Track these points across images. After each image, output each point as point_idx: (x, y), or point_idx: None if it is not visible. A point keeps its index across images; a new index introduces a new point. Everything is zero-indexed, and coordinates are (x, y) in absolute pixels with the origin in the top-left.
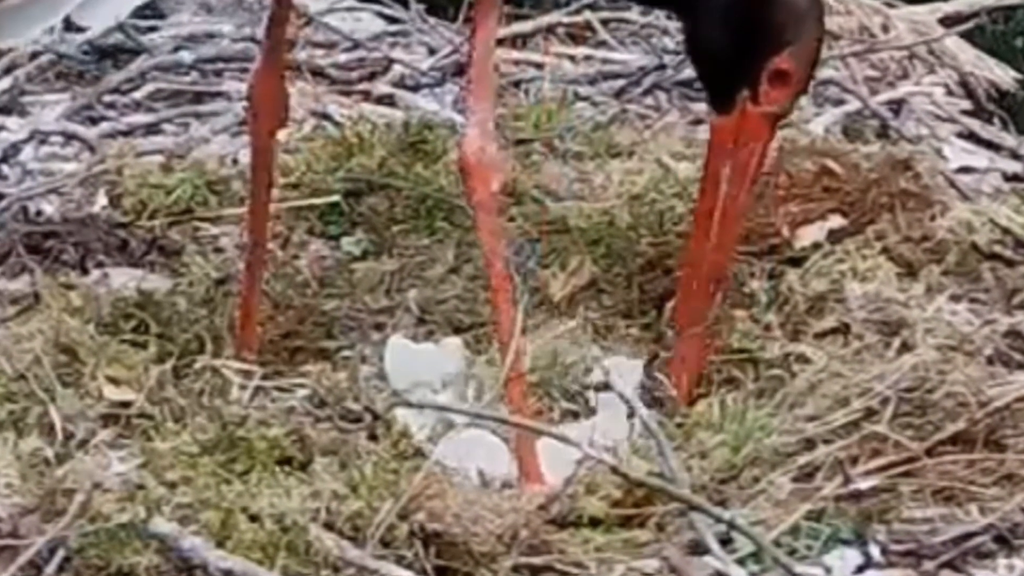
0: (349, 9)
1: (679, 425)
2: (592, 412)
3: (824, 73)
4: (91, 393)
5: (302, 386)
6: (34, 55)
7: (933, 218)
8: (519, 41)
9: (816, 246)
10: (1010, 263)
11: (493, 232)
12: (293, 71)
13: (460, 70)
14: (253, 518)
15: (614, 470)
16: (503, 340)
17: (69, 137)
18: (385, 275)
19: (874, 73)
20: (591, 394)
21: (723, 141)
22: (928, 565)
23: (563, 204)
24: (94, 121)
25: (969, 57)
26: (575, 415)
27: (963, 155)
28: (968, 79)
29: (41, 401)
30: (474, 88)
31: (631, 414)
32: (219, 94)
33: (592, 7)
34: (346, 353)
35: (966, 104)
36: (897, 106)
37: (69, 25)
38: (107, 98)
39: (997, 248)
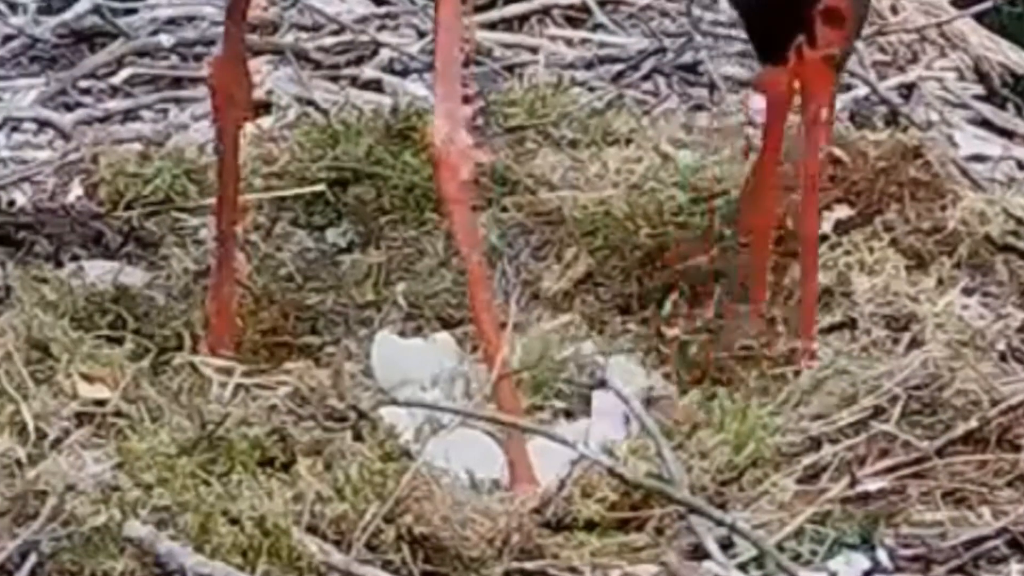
0: None
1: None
2: (587, 411)
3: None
4: (65, 391)
5: (285, 384)
6: (7, 38)
7: (944, 208)
8: (513, 24)
9: (823, 238)
10: None
11: (465, 224)
12: (276, 55)
13: None
14: (233, 521)
15: (610, 471)
16: (485, 337)
17: (43, 124)
18: (372, 268)
19: (883, 57)
20: (587, 392)
21: (782, 94)
22: (938, 570)
23: (558, 194)
24: (69, 107)
25: (982, 40)
26: (570, 414)
27: (975, 142)
28: (981, 63)
29: (13, 399)
30: (440, 75)
31: (628, 413)
32: (199, 79)
33: None
34: (331, 349)
35: (979, 89)
36: (907, 91)
37: (44, 7)
38: (83, 83)
39: (1011, 239)
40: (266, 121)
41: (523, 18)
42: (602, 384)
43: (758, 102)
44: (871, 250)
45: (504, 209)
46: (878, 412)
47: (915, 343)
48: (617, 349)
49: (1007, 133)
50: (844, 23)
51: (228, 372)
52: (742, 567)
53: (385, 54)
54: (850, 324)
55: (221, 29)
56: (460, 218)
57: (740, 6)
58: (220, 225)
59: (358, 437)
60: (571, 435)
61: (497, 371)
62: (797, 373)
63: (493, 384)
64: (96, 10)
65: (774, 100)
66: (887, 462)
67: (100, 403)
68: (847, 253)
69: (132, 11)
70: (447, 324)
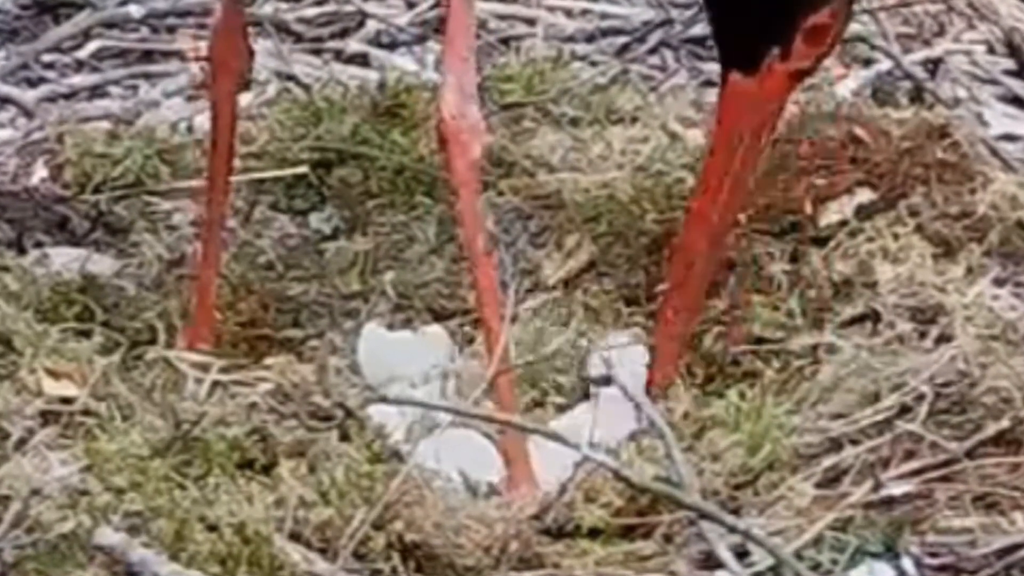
0: None
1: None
2: (591, 409)
3: (851, 29)
4: (29, 388)
5: (265, 380)
6: None
7: (973, 192)
8: None
9: (842, 224)
10: None
11: (474, 206)
12: (255, 27)
13: (442, 26)
14: (211, 528)
15: (616, 474)
16: (488, 329)
17: (3, 101)
18: (358, 255)
19: (907, 29)
20: (590, 388)
21: (743, 103)
22: None
23: (558, 176)
24: (32, 83)
25: (1013, 11)
26: (572, 411)
27: (1006, 121)
28: (1012, 36)
29: None
30: (451, 45)
31: (636, 411)
32: (172, 53)
33: None
34: (314, 343)
35: (1010, 64)
36: (933, 66)
37: None
38: (46, 57)
39: None
40: (244, 98)
41: None
42: (607, 380)
43: None
44: (895, 237)
45: (500, 193)
46: (903, 411)
47: (943, 337)
48: (622, 341)
49: None
50: (825, 40)
51: (204, 368)
52: None
53: (372, 26)
54: (873, 316)
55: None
56: (468, 200)
57: (718, 6)
58: (209, 209)
59: (344, 437)
60: (573, 435)
61: (496, 366)
62: (817, 369)
63: (491, 379)
64: None
65: (732, 107)
66: (913, 464)
67: (67, 401)
68: (869, 240)
69: None
70: (438, 316)
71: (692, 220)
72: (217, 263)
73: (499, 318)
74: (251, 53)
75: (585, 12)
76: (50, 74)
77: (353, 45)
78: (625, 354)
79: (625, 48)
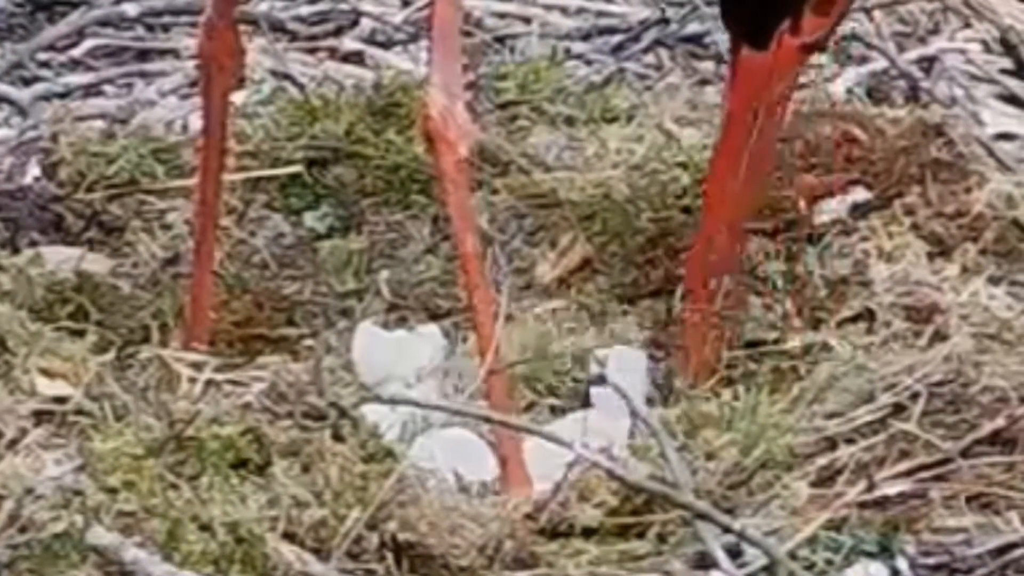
0: None
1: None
2: (586, 408)
3: (846, 27)
4: (22, 387)
5: (259, 379)
6: None
7: (969, 191)
8: None
9: (837, 222)
10: None
11: (464, 205)
12: (250, 26)
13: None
14: (204, 528)
15: (610, 474)
16: (480, 328)
17: None
18: (353, 254)
19: (902, 27)
20: (584, 388)
21: (758, 80)
22: None
23: (553, 175)
24: (26, 82)
25: (1009, 9)
26: (566, 411)
27: (1002, 120)
28: (1008, 34)
29: None
30: (437, 42)
31: (630, 411)
32: (167, 51)
33: None
34: (309, 342)
35: (1006, 62)
36: (928, 65)
37: None
38: (41, 55)
39: None
40: (239, 97)
41: None
42: (601, 379)
43: None
44: (890, 236)
45: (495, 191)
46: (898, 410)
47: (938, 336)
48: (617, 341)
49: None
50: (833, 11)
51: (199, 367)
52: None
53: (367, 24)
54: (868, 315)
55: None
56: (457, 199)
57: None
58: (202, 208)
59: (338, 437)
60: (568, 434)
61: (488, 365)
62: (812, 369)
63: (484, 379)
64: None
65: (747, 84)
66: (908, 464)
67: (60, 400)
68: (864, 239)
69: None
70: (434, 315)
71: (709, 204)
72: (211, 264)
73: (491, 317)
74: (243, 51)
75: (581, 11)
76: (45, 72)
77: (348, 44)
78: (619, 353)
79: (620, 47)
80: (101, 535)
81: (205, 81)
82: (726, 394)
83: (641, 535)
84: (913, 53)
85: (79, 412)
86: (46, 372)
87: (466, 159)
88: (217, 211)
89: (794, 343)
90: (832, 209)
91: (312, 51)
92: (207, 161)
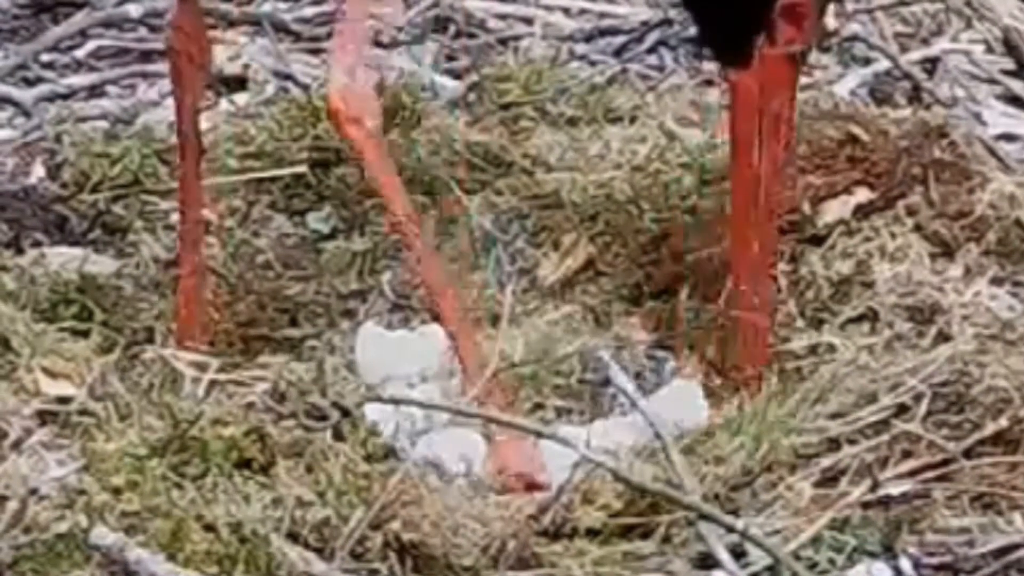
0: None
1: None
2: (589, 410)
3: (850, 29)
4: (26, 388)
5: (263, 380)
6: None
7: (971, 191)
8: None
9: (841, 223)
10: None
11: (382, 173)
12: (253, 26)
13: (444, 25)
14: (208, 528)
15: (614, 475)
16: (429, 288)
17: (2, 100)
18: (356, 255)
19: (905, 28)
20: (588, 389)
21: (750, 98)
22: None
23: (556, 176)
24: (30, 82)
25: (1011, 9)
26: (569, 412)
27: (1005, 120)
28: (1010, 35)
29: None
30: (341, 34)
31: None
32: None
33: None
34: (312, 343)
35: (1008, 63)
36: (931, 66)
37: None
38: (45, 56)
39: None
40: (242, 98)
41: None
42: (605, 381)
43: None
44: (893, 236)
45: (498, 192)
46: (901, 410)
47: (940, 336)
48: (621, 342)
49: None
50: (805, 15)
51: (202, 367)
52: None
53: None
54: (871, 316)
55: None
56: (377, 170)
57: (698, 7)
58: (184, 209)
59: (341, 437)
60: (571, 436)
61: (472, 358)
62: (815, 369)
63: (473, 378)
64: None
65: (743, 104)
66: (911, 464)
67: (64, 400)
68: (867, 240)
69: None
70: (436, 315)
71: (735, 240)
72: (201, 264)
73: (440, 280)
74: (210, 43)
75: (583, 12)
76: (48, 74)
77: None
78: (623, 354)
79: (623, 48)
80: (105, 535)
81: (175, 74)
82: (735, 400)
83: (645, 536)
84: (916, 54)
85: (83, 412)
86: (50, 372)
87: (374, 129)
88: (200, 206)
89: (798, 343)
90: (835, 210)
91: (315, 52)
92: (186, 162)
